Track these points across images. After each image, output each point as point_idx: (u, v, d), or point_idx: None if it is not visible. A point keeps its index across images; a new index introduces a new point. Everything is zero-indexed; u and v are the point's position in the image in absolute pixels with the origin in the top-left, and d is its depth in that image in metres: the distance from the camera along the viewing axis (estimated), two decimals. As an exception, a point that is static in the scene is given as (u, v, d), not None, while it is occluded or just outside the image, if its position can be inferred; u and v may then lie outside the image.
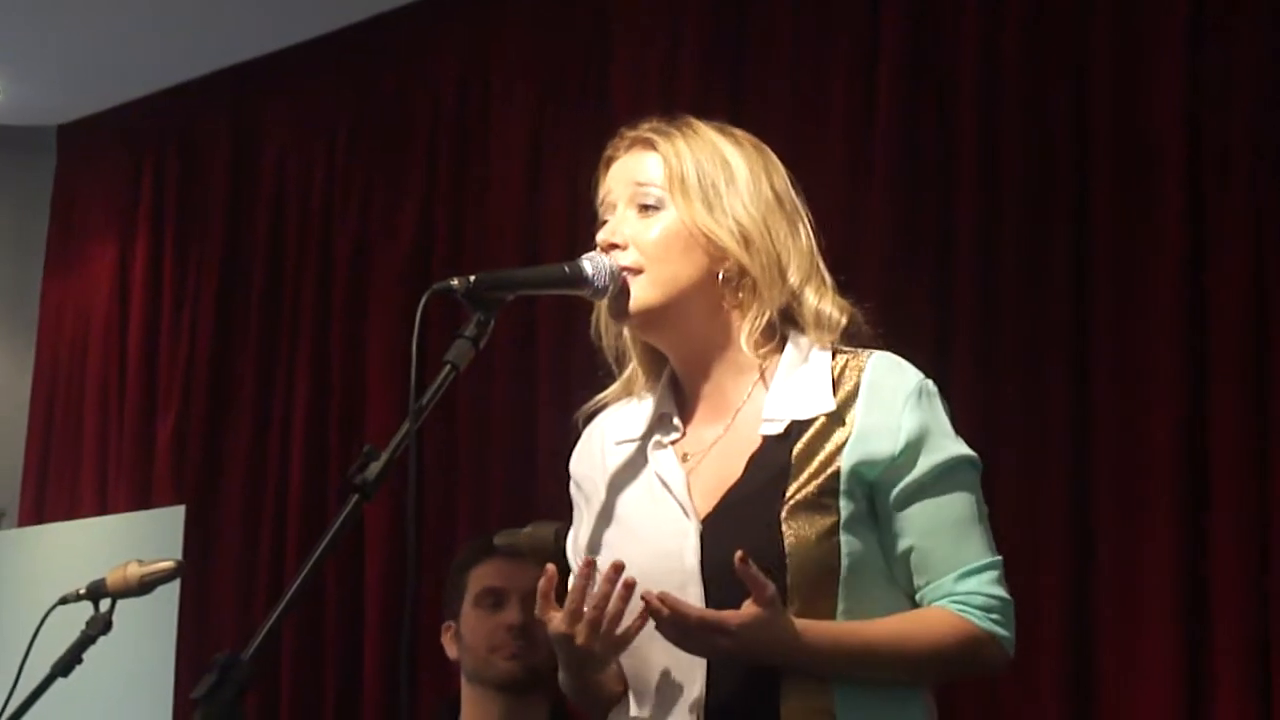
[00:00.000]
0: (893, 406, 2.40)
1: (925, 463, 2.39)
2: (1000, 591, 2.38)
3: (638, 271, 2.45)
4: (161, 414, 6.17)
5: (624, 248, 2.47)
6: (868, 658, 2.34)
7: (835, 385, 2.42)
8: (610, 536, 2.50)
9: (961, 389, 4.15)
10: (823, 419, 2.40)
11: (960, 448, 2.43)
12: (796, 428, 2.41)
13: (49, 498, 6.52)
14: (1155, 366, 3.95)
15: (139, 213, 6.43)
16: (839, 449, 2.38)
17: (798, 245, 2.48)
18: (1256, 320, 3.85)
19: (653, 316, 2.46)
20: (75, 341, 6.56)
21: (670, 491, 2.45)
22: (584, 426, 2.62)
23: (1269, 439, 3.79)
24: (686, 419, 2.52)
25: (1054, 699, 3.99)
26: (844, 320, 2.46)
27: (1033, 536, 4.03)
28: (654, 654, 2.42)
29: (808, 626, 2.31)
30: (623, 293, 2.46)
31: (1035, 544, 4.03)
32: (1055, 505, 4.05)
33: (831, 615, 2.35)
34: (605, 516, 2.52)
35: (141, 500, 6.15)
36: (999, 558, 2.40)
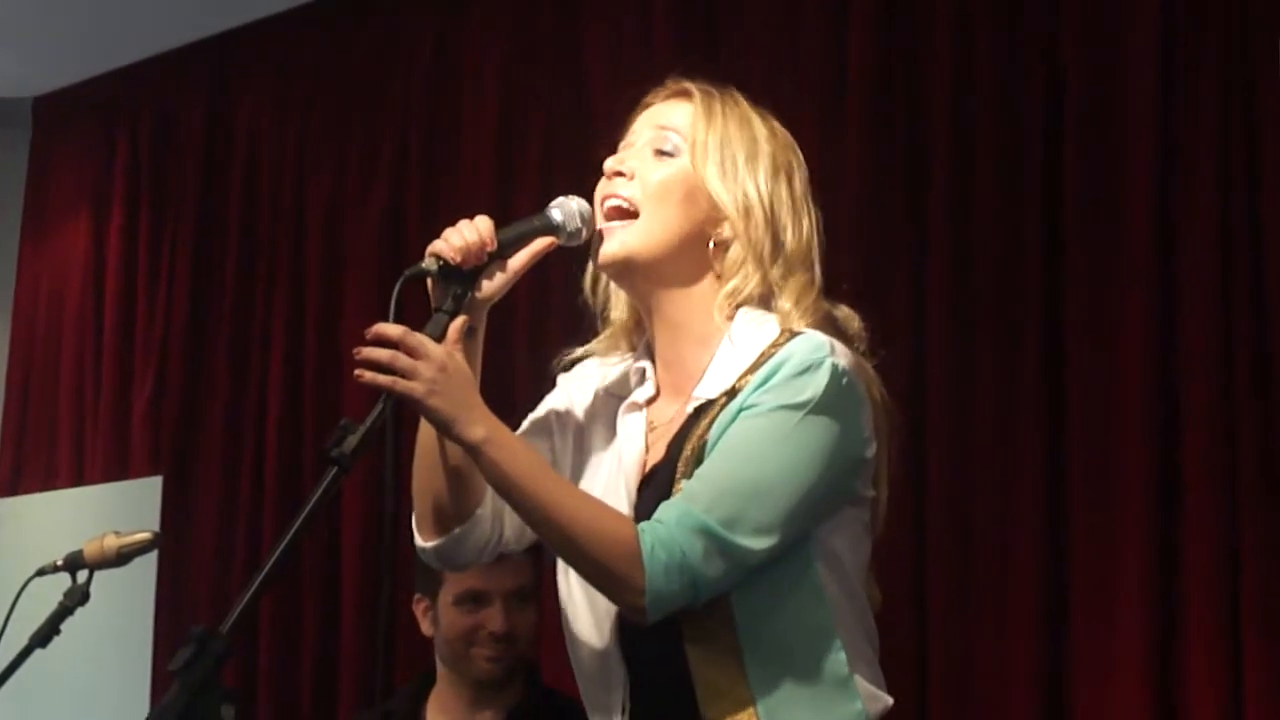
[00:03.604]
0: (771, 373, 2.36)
1: (754, 398, 2.34)
2: (695, 553, 2.25)
3: (632, 213, 2.45)
4: (138, 385, 6.16)
5: (629, 177, 2.48)
6: (522, 482, 2.26)
7: (758, 363, 2.38)
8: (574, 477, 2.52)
9: (937, 380, 4.19)
10: (723, 397, 2.39)
11: (793, 403, 2.31)
12: (706, 406, 2.41)
13: (25, 470, 6.51)
14: (1127, 333, 3.97)
15: (114, 184, 6.41)
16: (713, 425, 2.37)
17: (797, 238, 2.48)
18: (1225, 276, 3.87)
19: (632, 264, 2.46)
20: (51, 313, 6.55)
21: (623, 465, 2.46)
22: (560, 373, 2.63)
23: (1237, 417, 3.82)
24: (659, 386, 2.52)
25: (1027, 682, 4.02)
26: (811, 320, 2.42)
27: (1005, 512, 4.07)
28: (584, 664, 2.46)
29: (497, 422, 2.28)
30: (601, 237, 2.46)
31: (1008, 520, 4.07)
32: (1028, 474, 4.07)
33: (728, 612, 2.33)
34: (576, 453, 2.55)
35: (118, 471, 6.14)
36: (729, 534, 2.26)
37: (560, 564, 2.50)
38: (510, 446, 2.29)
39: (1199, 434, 3.85)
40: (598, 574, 2.29)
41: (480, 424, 2.26)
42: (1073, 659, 3.96)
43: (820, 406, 2.33)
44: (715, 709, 2.33)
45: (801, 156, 2.55)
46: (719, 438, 2.34)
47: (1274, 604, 3.73)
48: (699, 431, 2.38)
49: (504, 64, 5.35)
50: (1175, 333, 3.92)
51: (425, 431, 2.43)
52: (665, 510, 2.29)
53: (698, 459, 2.35)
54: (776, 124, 2.56)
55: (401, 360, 2.24)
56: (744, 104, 2.54)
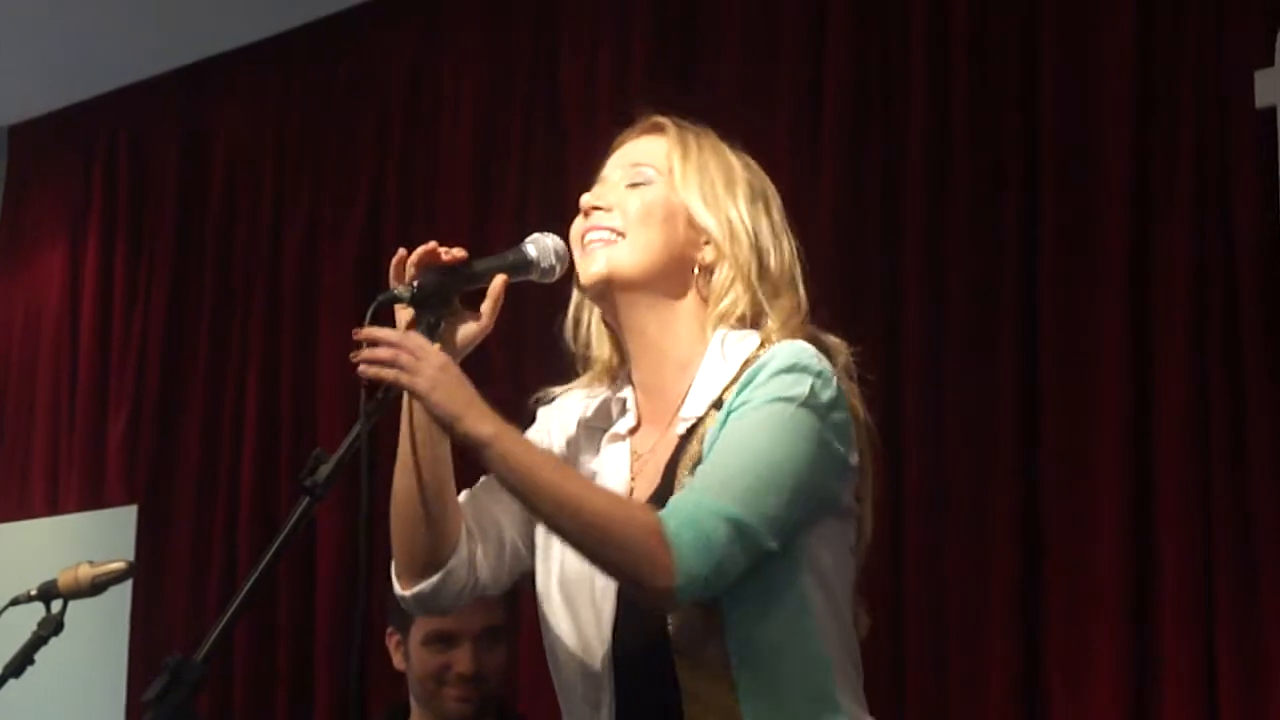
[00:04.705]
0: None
1: (743, 397, 2.35)
2: (719, 536, 2.24)
3: (619, 234, 2.47)
4: (113, 414, 6.15)
5: (608, 210, 2.49)
6: (536, 474, 2.24)
7: (741, 373, 2.40)
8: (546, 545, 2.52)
9: (912, 380, 4.20)
10: (711, 412, 2.41)
11: (785, 395, 2.33)
12: (698, 424, 2.42)
13: (-1, 498, 6.51)
14: (1102, 351, 3.99)
15: (90, 213, 6.41)
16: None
17: (780, 262, 2.50)
18: (1199, 303, 3.89)
19: (617, 284, 2.47)
20: (26, 342, 6.54)
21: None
22: (536, 409, 2.63)
23: (1210, 425, 3.84)
24: (640, 416, 2.53)
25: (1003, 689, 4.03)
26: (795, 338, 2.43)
27: (982, 517, 4.09)
28: (570, 683, 2.47)
29: (503, 420, 2.27)
30: (585, 258, 2.47)
31: (984, 525, 4.08)
32: (1004, 490, 4.08)
33: (718, 623, 2.34)
34: None
35: (93, 500, 6.13)
36: (750, 520, 2.26)
37: (542, 585, 2.50)
38: (521, 441, 2.29)
39: (1172, 441, 3.87)
40: (622, 559, 2.24)
41: (488, 420, 2.26)
42: (1050, 677, 3.97)
43: (810, 402, 2.34)
44: None
45: (774, 187, 2.57)
46: (713, 443, 2.35)
47: (1249, 621, 3.75)
48: (692, 450, 2.39)
49: (480, 93, 5.36)
50: (1150, 349, 3.94)
51: (401, 479, 2.43)
52: (680, 499, 2.28)
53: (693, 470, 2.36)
54: (748, 156, 2.59)
55: (404, 357, 2.25)
56: (714, 136, 2.57)
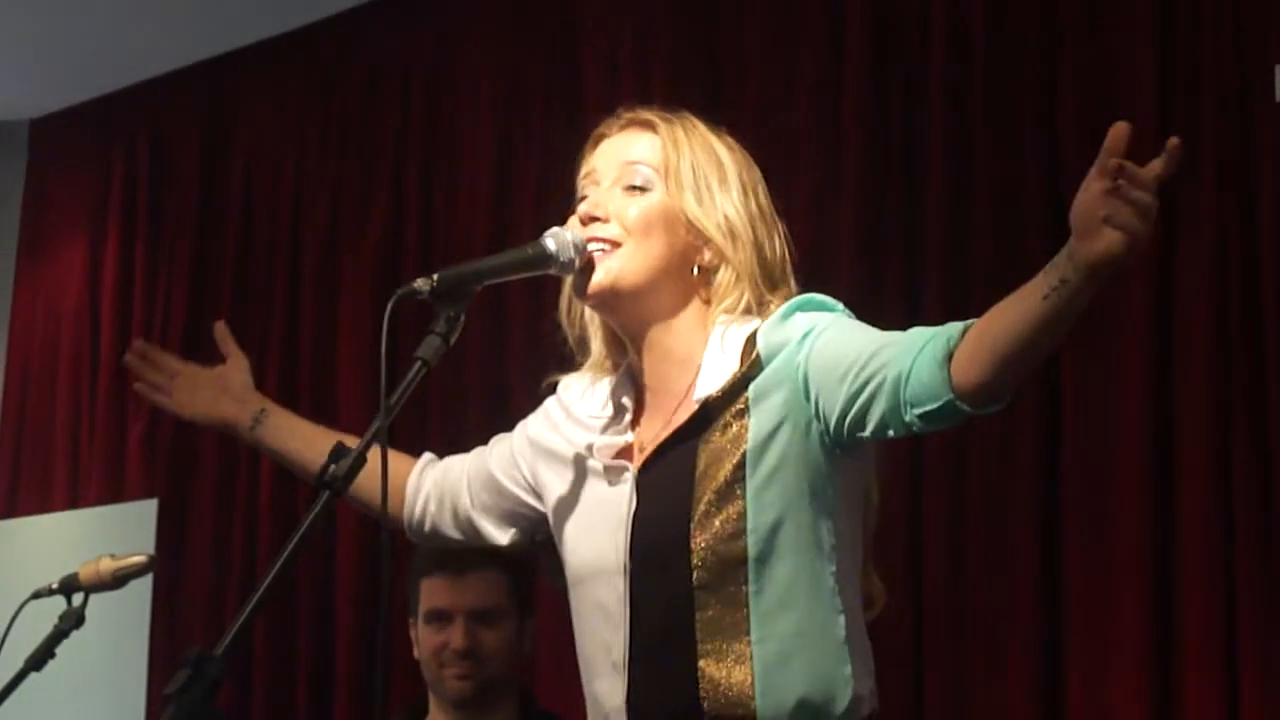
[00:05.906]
0: (790, 345, 2.39)
1: (818, 331, 2.37)
2: None
3: (617, 245, 2.47)
4: (134, 407, 6.16)
5: (606, 220, 2.49)
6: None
7: (749, 345, 2.42)
8: (565, 514, 2.56)
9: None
10: (731, 380, 2.42)
11: (839, 315, 2.41)
12: (710, 399, 2.43)
13: (21, 492, 6.51)
14: (1124, 355, 3.99)
15: (110, 207, 6.42)
16: (744, 406, 2.40)
17: (773, 250, 2.51)
18: (1220, 303, 3.89)
19: (620, 294, 2.48)
20: (47, 336, 6.55)
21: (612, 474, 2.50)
22: (550, 392, 2.67)
23: (1232, 418, 3.84)
24: (640, 411, 2.55)
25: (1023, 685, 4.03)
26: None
27: (1001, 536, 4.09)
28: (586, 624, 2.49)
29: None
30: (589, 268, 2.48)
31: (1004, 545, 4.09)
32: (1025, 495, 4.09)
33: (742, 553, 2.36)
34: (560, 478, 2.59)
35: (114, 494, 6.14)
36: None
37: (560, 517, 2.55)
38: None
39: (1194, 434, 3.88)
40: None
41: None
42: (1069, 668, 3.98)
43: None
44: (714, 660, 2.36)
45: (757, 167, 2.57)
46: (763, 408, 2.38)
47: (1271, 599, 3.76)
48: (719, 404, 2.41)
49: (500, 91, 5.37)
50: (1172, 342, 3.96)
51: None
52: (916, 336, 2.27)
53: (731, 430, 2.39)
54: (730, 138, 2.58)
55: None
56: (701, 126, 2.56)
